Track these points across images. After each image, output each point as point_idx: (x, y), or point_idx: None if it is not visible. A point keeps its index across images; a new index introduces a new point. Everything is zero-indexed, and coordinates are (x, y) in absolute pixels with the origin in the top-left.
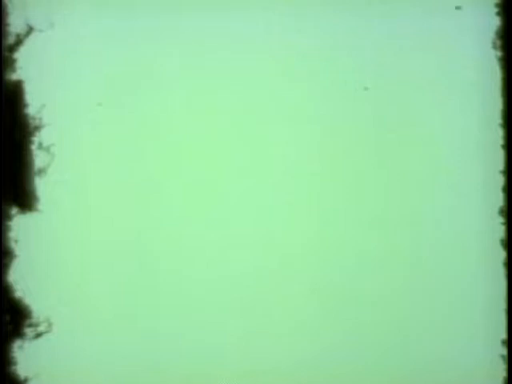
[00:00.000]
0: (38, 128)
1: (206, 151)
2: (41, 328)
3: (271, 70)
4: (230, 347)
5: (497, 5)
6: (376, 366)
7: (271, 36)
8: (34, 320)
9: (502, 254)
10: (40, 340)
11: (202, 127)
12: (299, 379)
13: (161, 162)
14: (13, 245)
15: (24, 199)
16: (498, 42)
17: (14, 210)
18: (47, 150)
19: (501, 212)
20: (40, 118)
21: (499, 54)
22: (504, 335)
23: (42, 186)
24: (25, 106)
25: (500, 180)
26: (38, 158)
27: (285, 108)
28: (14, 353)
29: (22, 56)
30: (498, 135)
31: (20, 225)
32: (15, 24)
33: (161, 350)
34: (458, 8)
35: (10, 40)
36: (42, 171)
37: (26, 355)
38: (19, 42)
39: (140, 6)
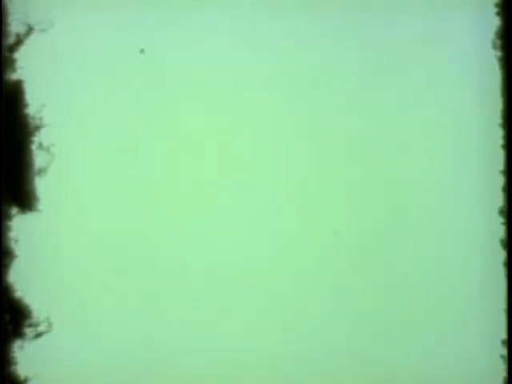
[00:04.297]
0: (38, 128)
1: (208, 150)
2: (41, 328)
3: (274, 68)
4: (228, 349)
5: (497, 5)
6: (375, 366)
7: (273, 36)
8: (33, 320)
9: (502, 254)
10: (40, 340)
11: (203, 127)
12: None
13: (161, 162)
14: (13, 245)
15: (24, 199)
16: (498, 42)
17: (14, 210)
18: (47, 150)
19: (501, 212)
20: (40, 118)
21: (499, 54)
22: (504, 335)
23: (42, 186)
24: (25, 105)
25: (500, 180)
26: (38, 158)
27: (286, 110)
28: (14, 353)
29: (21, 56)
30: (498, 135)
31: (20, 225)
32: (15, 24)
33: (161, 350)
34: None
35: (10, 40)
36: (42, 171)
37: (26, 355)
38: (19, 41)
39: (140, 5)
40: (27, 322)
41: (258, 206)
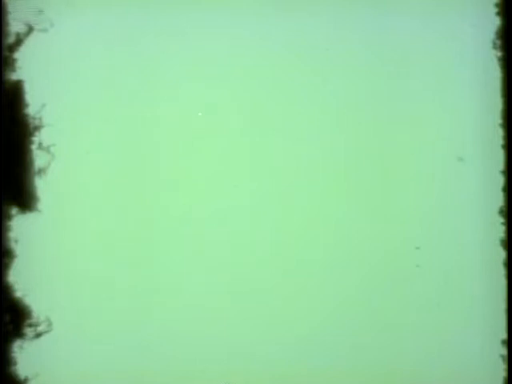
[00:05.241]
0: (37, 128)
1: (209, 150)
2: (41, 328)
3: (274, 67)
4: (226, 349)
5: (497, 5)
6: (374, 366)
7: (274, 35)
8: (33, 320)
9: (502, 254)
10: (40, 340)
11: (206, 126)
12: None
13: (162, 162)
14: (13, 245)
15: (24, 199)
16: (498, 42)
17: (14, 210)
18: (47, 150)
19: (501, 212)
20: (40, 118)
21: (499, 54)
22: (504, 335)
23: (42, 186)
24: (25, 106)
25: (500, 180)
26: (38, 158)
27: (287, 107)
28: (14, 353)
29: (22, 56)
30: (498, 135)
31: (20, 225)
32: (15, 24)
33: (161, 350)
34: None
35: (10, 40)
36: (41, 171)
37: (26, 355)
38: (19, 41)
39: (141, 5)
40: (27, 321)
41: (258, 209)
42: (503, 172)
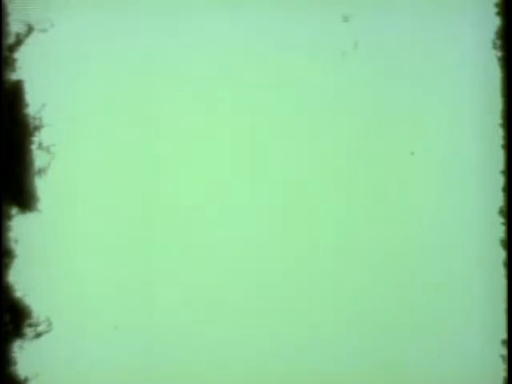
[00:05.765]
0: (37, 128)
1: (208, 150)
2: (41, 328)
3: (275, 67)
4: (223, 351)
5: (497, 5)
6: (374, 366)
7: (274, 35)
8: (33, 320)
9: (502, 254)
10: (40, 340)
11: (204, 127)
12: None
13: (163, 162)
14: (13, 245)
15: (24, 199)
16: (498, 42)
17: (14, 210)
18: (47, 150)
19: (501, 212)
20: (40, 118)
21: (499, 54)
22: (504, 335)
23: (42, 186)
24: (25, 106)
25: (500, 180)
26: (38, 158)
27: (287, 108)
28: (14, 353)
29: (22, 56)
30: (498, 135)
31: (20, 225)
32: (15, 24)
33: (161, 349)
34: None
35: (10, 40)
36: (41, 171)
37: (26, 355)
38: (19, 41)
39: (141, 5)
40: (27, 321)
41: (265, 202)
42: (503, 172)
